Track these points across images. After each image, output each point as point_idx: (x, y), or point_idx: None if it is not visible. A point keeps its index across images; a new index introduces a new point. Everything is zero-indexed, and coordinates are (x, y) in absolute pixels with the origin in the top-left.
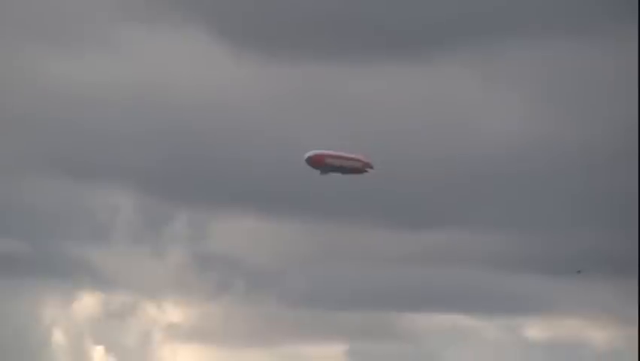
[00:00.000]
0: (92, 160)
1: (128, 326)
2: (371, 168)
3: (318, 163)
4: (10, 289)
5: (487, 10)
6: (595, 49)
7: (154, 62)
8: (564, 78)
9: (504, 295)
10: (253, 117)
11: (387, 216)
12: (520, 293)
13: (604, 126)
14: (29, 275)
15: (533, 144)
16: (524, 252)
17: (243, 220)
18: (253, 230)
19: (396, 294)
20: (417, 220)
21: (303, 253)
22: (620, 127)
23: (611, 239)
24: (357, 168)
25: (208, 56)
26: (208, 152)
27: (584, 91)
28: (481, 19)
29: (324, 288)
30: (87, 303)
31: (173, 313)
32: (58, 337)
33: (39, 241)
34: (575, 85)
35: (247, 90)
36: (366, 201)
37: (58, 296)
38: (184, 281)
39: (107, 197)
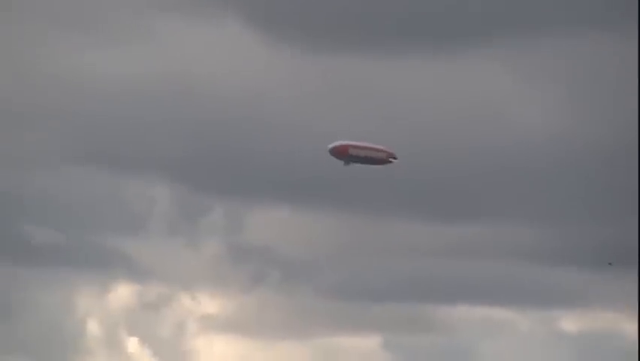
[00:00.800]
0: (128, 151)
1: (163, 318)
2: (395, 158)
3: (341, 154)
4: (46, 279)
5: (518, 3)
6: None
7: (189, 53)
8: (596, 71)
9: (538, 287)
10: (287, 108)
11: (422, 209)
12: (554, 286)
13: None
14: (65, 266)
15: (566, 136)
16: (558, 244)
17: (278, 212)
18: (288, 221)
19: (430, 286)
20: (451, 213)
21: (338, 245)
22: None
23: None
24: (381, 159)
25: (243, 46)
26: (243, 143)
27: (616, 83)
28: (512, 13)
29: (359, 280)
30: (122, 294)
31: (208, 304)
32: (93, 328)
33: (74, 232)
34: (608, 77)
35: (281, 81)
36: (401, 193)
37: (94, 287)
38: (219, 273)
39: (142, 188)
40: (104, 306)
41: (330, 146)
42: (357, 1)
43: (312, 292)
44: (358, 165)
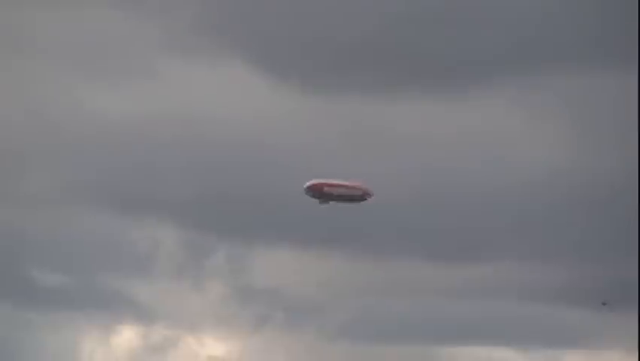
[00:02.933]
0: (133, 193)
1: (169, 360)
2: (370, 196)
3: (317, 192)
4: (51, 321)
5: (525, 44)
6: (633, 82)
7: (193, 94)
8: (602, 111)
9: (543, 327)
10: (290, 150)
11: (427, 250)
12: (558, 325)
13: None
14: (70, 308)
15: (571, 175)
16: (562, 284)
17: (283, 253)
18: (293, 263)
19: (436, 327)
20: (456, 254)
21: (343, 286)
22: None
23: None
24: (356, 196)
25: (246, 88)
26: (247, 185)
27: (624, 123)
28: (519, 54)
29: (365, 321)
30: (127, 336)
31: (214, 346)
32: None
33: (79, 274)
34: (615, 117)
35: (286, 123)
36: (407, 234)
37: (99, 329)
38: (224, 314)
39: (147, 230)
40: (109, 348)
41: (306, 185)
42: (369, 44)
43: (318, 333)
44: (367, 206)
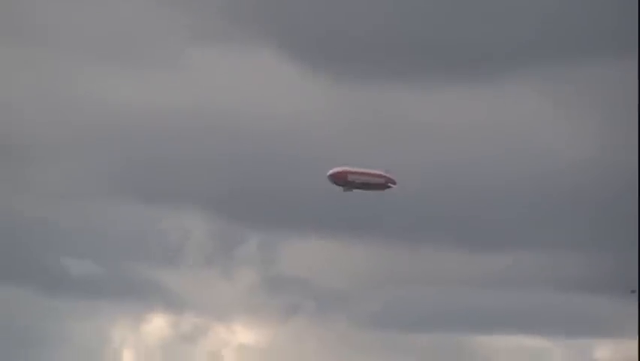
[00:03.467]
0: (164, 184)
1: (199, 348)
2: (394, 183)
3: (340, 180)
4: (83, 310)
5: (551, 32)
6: None
7: (224, 84)
8: (627, 102)
9: (573, 316)
10: (318, 138)
11: (455, 239)
12: (588, 314)
13: None
14: (101, 297)
15: (595, 163)
16: (593, 273)
17: (313, 242)
18: (323, 252)
19: (465, 316)
20: (486, 243)
21: (373, 275)
22: None
23: None
24: (379, 184)
25: (277, 78)
26: (277, 175)
27: None
28: (545, 42)
29: (394, 310)
30: (158, 325)
31: (244, 334)
32: (128, 359)
33: (111, 264)
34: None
35: (315, 112)
36: (437, 224)
37: (130, 318)
38: (254, 303)
39: (178, 220)
40: (139, 337)
41: (329, 172)
42: (398, 32)
43: (347, 322)
44: (394, 194)
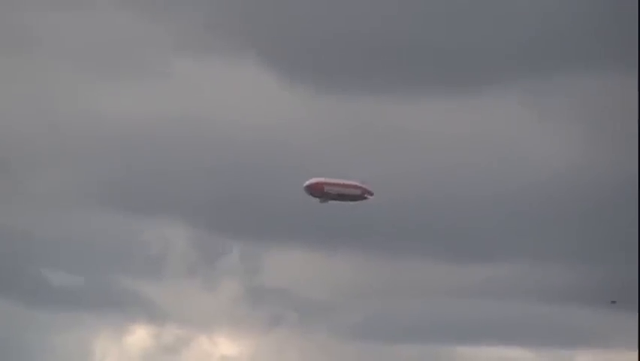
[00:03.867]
0: (145, 194)
1: (182, 359)
2: (370, 194)
3: (316, 191)
4: (64, 321)
5: (537, 44)
6: None
7: (206, 94)
8: (617, 112)
9: (554, 327)
10: (301, 150)
11: (438, 250)
12: (570, 325)
13: None
14: (82, 308)
15: (580, 175)
16: (575, 283)
17: (294, 253)
18: (305, 263)
19: (447, 327)
20: (468, 254)
21: (355, 286)
22: None
23: None
24: (356, 195)
25: (258, 88)
26: (259, 185)
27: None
28: (531, 53)
29: (376, 321)
30: (140, 336)
31: (226, 346)
32: None
33: (92, 275)
34: (629, 117)
35: (296, 123)
36: (418, 234)
37: (112, 329)
38: (237, 314)
39: (159, 230)
40: (122, 348)
41: (306, 183)
42: (381, 42)
43: (329, 333)
44: (379, 205)
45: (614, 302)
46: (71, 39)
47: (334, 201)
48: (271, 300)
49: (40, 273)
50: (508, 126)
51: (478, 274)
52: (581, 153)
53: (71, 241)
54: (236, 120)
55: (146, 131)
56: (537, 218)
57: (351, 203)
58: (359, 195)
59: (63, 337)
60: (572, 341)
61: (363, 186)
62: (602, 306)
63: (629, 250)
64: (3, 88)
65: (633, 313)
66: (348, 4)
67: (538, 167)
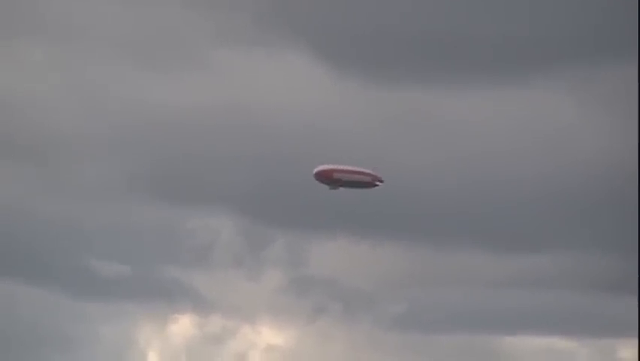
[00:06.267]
0: (191, 184)
1: (225, 349)
2: (381, 181)
3: (326, 178)
4: (109, 311)
5: (583, 32)
6: None
7: (252, 85)
8: None
9: (598, 317)
10: (351, 141)
11: (483, 240)
12: (614, 315)
13: None
14: (127, 298)
15: (632, 166)
16: (618, 274)
17: (340, 243)
18: (350, 253)
19: (492, 317)
20: (512, 244)
21: (399, 276)
22: None
23: None
24: (366, 183)
25: (307, 79)
26: (305, 175)
27: None
28: (577, 41)
29: (420, 311)
30: (184, 326)
31: (271, 336)
32: (154, 360)
33: (137, 264)
34: None
35: (342, 114)
36: (465, 223)
37: (156, 319)
38: (281, 304)
39: (205, 220)
40: (165, 338)
41: (315, 170)
42: (419, 33)
43: (374, 323)
44: (425, 195)
45: None
46: (118, 29)
47: (344, 188)
48: (315, 290)
49: (87, 263)
50: (557, 116)
51: (521, 264)
52: (630, 144)
53: (117, 230)
54: (283, 110)
55: (193, 122)
56: (581, 208)
57: (402, 192)
58: (369, 182)
59: (108, 327)
60: (614, 331)
61: (374, 173)
62: None
63: None
64: (50, 78)
65: None
66: None
67: (586, 158)
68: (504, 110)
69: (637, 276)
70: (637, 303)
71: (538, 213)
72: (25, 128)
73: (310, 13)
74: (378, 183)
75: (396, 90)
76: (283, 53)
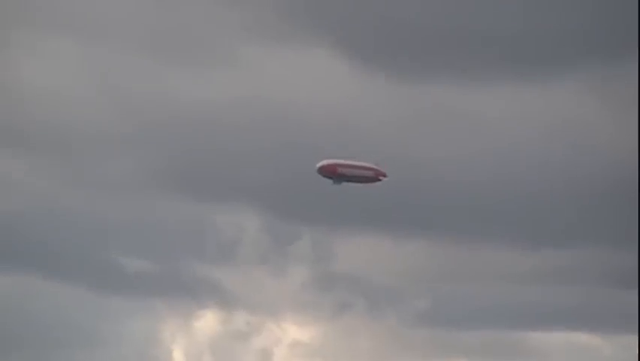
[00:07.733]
0: (217, 179)
1: (250, 345)
2: (384, 176)
3: (330, 173)
4: (134, 306)
5: (604, 30)
6: None
7: (278, 80)
8: None
9: (623, 313)
10: (374, 136)
11: (508, 235)
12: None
13: None
14: (151, 294)
15: None
16: None
17: (365, 239)
18: (375, 249)
19: (517, 312)
20: (539, 239)
21: (424, 272)
22: None
23: None
24: (369, 177)
25: (333, 74)
26: None
27: None
28: (598, 39)
29: (446, 306)
30: (209, 322)
31: (296, 332)
32: (179, 356)
33: (162, 260)
34: None
35: (367, 108)
36: (491, 219)
37: (181, 315)
38: (306, 300)
39: (230, 216)
40: (190, 334)
41: (318, 165)
42: (443, 29)
43: (399, 319)
44: (448, 190)
45: None
46: (144, 25)
47: (347, 182)
48: (340, 286)
49: (111, 259)
50: (578, 112)
51: (548, 260)
52: None
53: (143, 226)
54: (308, 105)
55: (218, 117)
56: (610, 204)
57: (427, 188)
58: (371, 176)
59: (132, 323)
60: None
61: (377, 167)
62: None
63: None
64: (77, 74)
65: None
66: None
67: (611, 154)
68: (526, 106)
69: None
70: None
71: (563, 208)
72: (51, 124)
73: (336, 10)
74: (381, 178)
75: (423, 85)
76: (308, 49)
